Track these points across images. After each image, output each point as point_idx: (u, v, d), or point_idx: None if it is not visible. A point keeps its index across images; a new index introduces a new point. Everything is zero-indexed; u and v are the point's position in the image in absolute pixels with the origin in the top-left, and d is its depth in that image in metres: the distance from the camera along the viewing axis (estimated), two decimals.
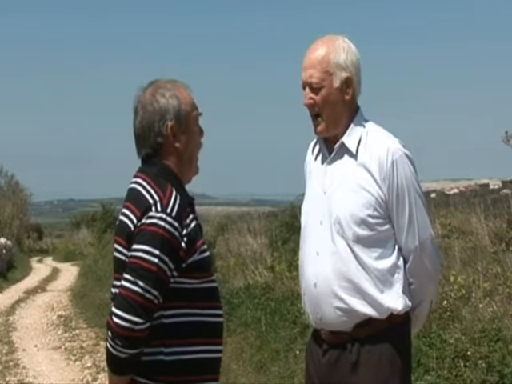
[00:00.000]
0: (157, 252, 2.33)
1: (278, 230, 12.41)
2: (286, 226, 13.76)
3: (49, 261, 32.45)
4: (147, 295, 2.31)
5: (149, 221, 2.35)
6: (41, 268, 26.93)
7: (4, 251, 22.16)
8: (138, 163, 2.56)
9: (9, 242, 24.62)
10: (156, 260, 2.33)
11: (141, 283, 2.31)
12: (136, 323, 2.30)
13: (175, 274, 2.38)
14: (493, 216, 8.33)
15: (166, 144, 2.48)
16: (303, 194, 3.04)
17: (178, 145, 2.48)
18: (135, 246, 2.36)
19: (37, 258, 33.53)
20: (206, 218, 16.95)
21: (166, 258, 2.34)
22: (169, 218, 2.35)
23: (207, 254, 2.47)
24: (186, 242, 2.38)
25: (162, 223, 2.34)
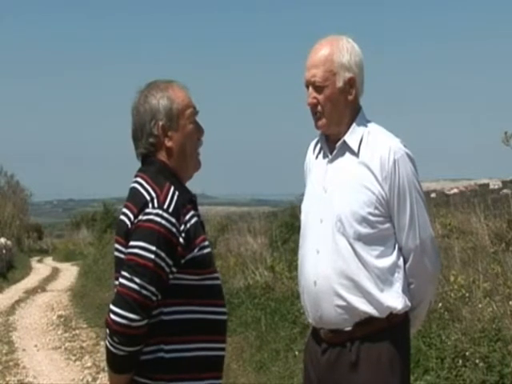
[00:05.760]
0: (153, 248, 2.33)
1: (278, 230, 12.42)
2: (286, 226, 13.76)
3: (49, 261, 32.43)
4: (144, 292, 2.31)
5: (145, 217, 2.36)
6: (41, 268, 26.91)
7: (4, 251, 22.15)
8: (138, 163, 2.58)
9: (9, 242, 24.59)
10: (152, 256, 2.33)
11: (137, 280, 2.31)
12: (132, 320, 2.29)
13: (174, 269, 2.37)
14: (493, 216, 8.33)
15: (159, 143, 2.50)
16: (303, 194, 3.04)
17: (170, 144, 2.50)
18: (132, 243, 2.36)
19: (37, 258, 33.50)
20: (206, 218, 16.94)
21: (163, 254, 2.34)
22: (165, 214, 2.35)
23: (208, 250, 2.46)
24: (184, 238, 2.38)
25: (158, 219, 2.35)
